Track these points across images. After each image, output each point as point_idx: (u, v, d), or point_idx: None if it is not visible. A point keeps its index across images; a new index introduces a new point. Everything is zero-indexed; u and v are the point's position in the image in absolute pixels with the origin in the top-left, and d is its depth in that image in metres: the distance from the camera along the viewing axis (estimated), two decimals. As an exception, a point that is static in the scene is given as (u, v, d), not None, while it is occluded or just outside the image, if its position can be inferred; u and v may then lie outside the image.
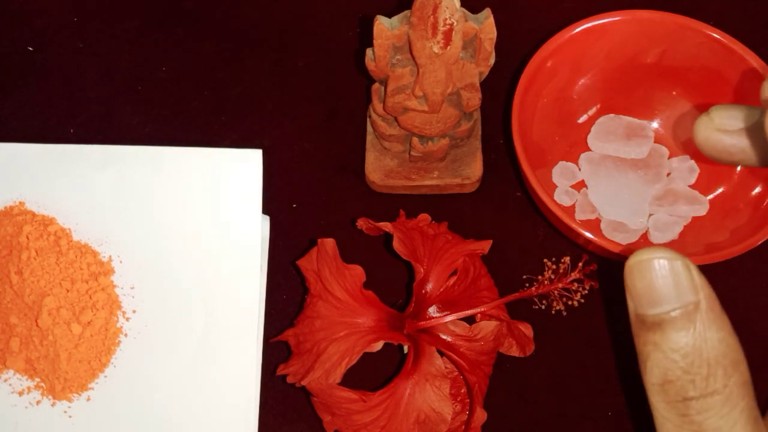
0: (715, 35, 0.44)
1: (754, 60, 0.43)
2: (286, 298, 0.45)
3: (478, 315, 0.41)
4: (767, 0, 0.54)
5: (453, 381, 0.40)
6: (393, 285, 0.45)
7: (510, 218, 0.47)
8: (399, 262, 0.43)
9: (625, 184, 0.47)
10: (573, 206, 0.47)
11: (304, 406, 0.42)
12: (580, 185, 0.48)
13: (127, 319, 0.44)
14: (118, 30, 0.53)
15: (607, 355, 0.44)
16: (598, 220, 0.46)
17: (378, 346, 0.38)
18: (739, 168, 0.45)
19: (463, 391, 0.41)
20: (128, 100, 0.51)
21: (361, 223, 0.43)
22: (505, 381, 0.43)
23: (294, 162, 0.49)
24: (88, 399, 0.42)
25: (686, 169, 0.47)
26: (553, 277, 0.40)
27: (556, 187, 0.47)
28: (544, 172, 0.47)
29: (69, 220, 0.45)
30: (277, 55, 0.52)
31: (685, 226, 0.46)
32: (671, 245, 0.45)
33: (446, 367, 0.39)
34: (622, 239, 0.45)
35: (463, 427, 0.40)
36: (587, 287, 0.39)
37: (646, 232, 0.46)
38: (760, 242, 0.40)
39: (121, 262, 0.45)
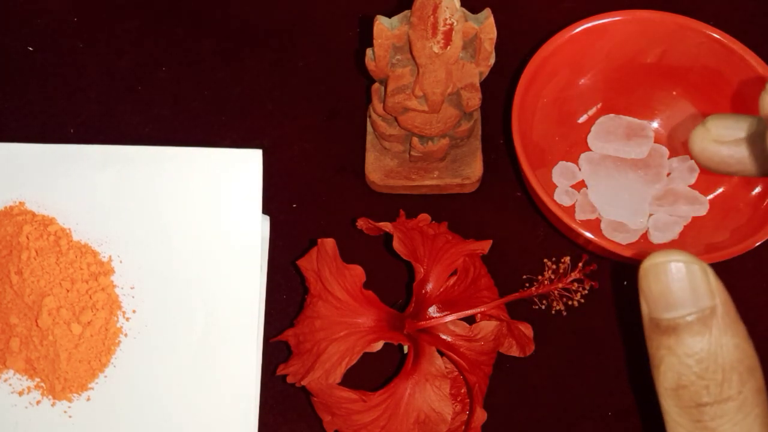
0: (715, 35, 0.44)
1: (754, 60, 0.43)
2: (286, 298, 0.45)
3: (478, 315, 0.41)
4: (767, 0, 0.54)
5: (453, 381, 0.40)
6: (393, 285, 0.45)
7: (510, 218, 0.47)
8: (399, 262, 0.43)
9: (625, 184, 0.47)
10: (573, 206, 0.47)
11: (304, 406, 0.42)
12: (580, 185, 0.48)
13: (127, 319, 0.44)
14: (118, 30, 0.53)
15: (607, 355, 0.44)
16: (598, 220, 0.46)
17: (378, 346, 0.38)
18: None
19: (463, 391, 0.41)
20: (128, 100, 0.51)
21: (361, 223, 0.43)
22: (505, 381, 0.43)
23: (294, 162, 0.49)
24: (88, 399, 0.42)
25: (686, 169, 0.47)
26: (553, 277, 0.40)
27: (556, 187, 0.47)
28: (544, 172, 0.47)
29: (69, 220, 0.45)
30: (277, 55, 0.52)
31: (685, 226, 0.46)
32: (671, 245, 0.45)
33: (446, 367, 0.39)
34: (622, 239, 0.45)
35: (463, 427, 0.40)
36: (587, 287, 0.39)
37: (646, 232, 0.46)
38: (760, 242, 0.40)
39: (121, 262, 0.45)
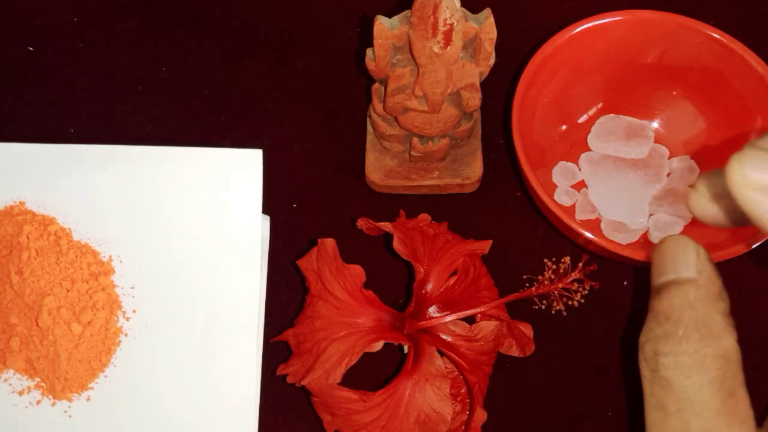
0: (715, 35, 0.44)
1: (754, 60, 0.43)
2: (286, 298, 0.45)
3: (478, 315, 0.41)
4: (767, 0, 0.54)
5: (453, 381, 0.40)
6: (393, 285, 0.45)
7: (510, 218, 0.47)
8: (399, 262, 0.43)
9: (625, 184, 0.47)
10: (573, 206, 0.47)
11: (304, 406, 0.42)
12: (580, 185, 0.48)
13: (127, 319, 0.44)
14: (118, 30, 0.53)
15: (607, 355, 0.44)
16: (598, 220, 0.46)
17: (378, 346, 0.38)
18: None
19: (463, 391, 0.41)
20: (128, 100, 0.51)
21: (361, 223, 0.43)
22: (505, 381, 0.43)
23: (294, 162, 0.49)
24: (88, 399, 0.42)
25: (686, 169, 0.47)
26: (553, 277, 0.40)
27: (556, 187, 0.47)
28: (544, 172, 0.47)
29: (69, 220, 0.45)
30: (277, 55, 0.52)
31: (685, 226, 0.46)
32: (671, 245, 0.45)
33: (446, 367, 0.39)
34: (622, 239, 0.45)
35: (463, 427, 0.40)
36: (587, 287, 0.39)
37: (646, 232, 0.46)
38: (760, 242, 0.40)
39: (121, 262, 0.45)
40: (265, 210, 0.46)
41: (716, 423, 0.25)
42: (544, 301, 0.41)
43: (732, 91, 0.45)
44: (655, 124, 0.48)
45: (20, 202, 0.46)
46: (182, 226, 0.45)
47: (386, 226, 0.41)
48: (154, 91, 0.51)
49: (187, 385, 0.42)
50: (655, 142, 0.48)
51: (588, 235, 0.40)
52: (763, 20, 0.53)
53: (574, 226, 0.40)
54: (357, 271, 0.39)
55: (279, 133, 0.50)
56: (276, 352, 0.43)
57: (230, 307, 0.44)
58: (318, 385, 0.38)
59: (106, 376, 0.43)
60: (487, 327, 0.40)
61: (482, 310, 0.41)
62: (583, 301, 0.40)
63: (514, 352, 0.42)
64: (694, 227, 0.46)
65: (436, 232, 0.43)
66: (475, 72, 0.40)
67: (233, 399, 0.42)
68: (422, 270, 0.41)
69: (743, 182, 0.24)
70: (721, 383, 0.26)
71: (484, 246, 0.42)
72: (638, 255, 0.39)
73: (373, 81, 0.42)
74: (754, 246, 0.40)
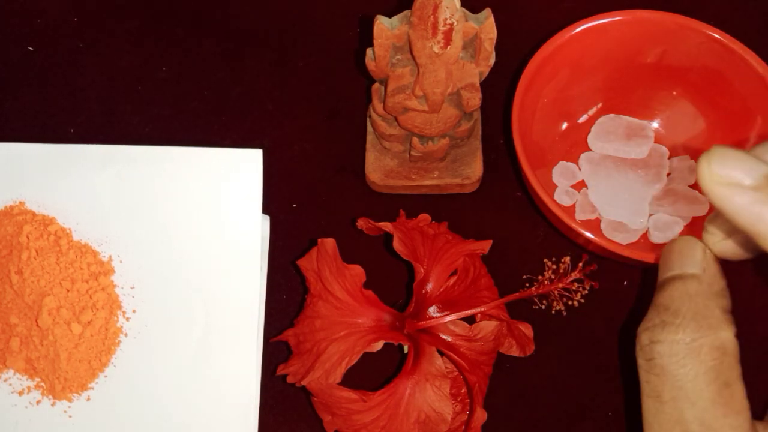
0: (715, 35, 0.44)
1: (754, 60, 0.43)
2: (286, 298, 0.45)
3: (478, 315, 0.41)
4: (767, 0, 0.54)
5: (453, 381, 0.40)
6: (393, 285, 0.45)
7: (510, 218, 0.47)
8: (399, 262, 0.43)
9: (625, 184, 0.47)
10: (573, 206, 0.47)
11: (304, 406, 0.42)
12: (580, 185, 0.48)
13: (127, 319, 0.44)
14: (118, 30, 0.53)
15: (607, 355, 0.44)
16: (598, 220, 0.46)
17: (378, 346, 0.38)
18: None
19: (463, 391, 0.41)
20: (128, 100, 0.51)
21: (361, 223, 0.43)
22: (505, 381, 0.43)
23: (294, 162, 0.49)
24: (88, 399, 0.42)
25: (686, 169, 0.47)
26: (553, 277, 0.40)
27: (556, 187, 0.47)
28: (544, 172, 0.47)
29: (69, 220, 0.45)
30: (277, 55, 0.52)
31: (685, 226, 0.46)
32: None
33: (446, 367, 0.39)
34: (622, 239, 0.45)
35: (463, 427, 0.40)
36: (587, 287, 0.39)
37: (646, 232, 0.46)
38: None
39: (121, 262, 0.45)
40: (265, 210, 0.46)
41: (711, 412, 0.26)
42: (544, 301, 0.41)
43: (732, 91, 0.45)
44: (655, 124, 0.48)
45: (20, 202, 0.46)
46: (182, 226, 0.45)
47: (386, 226, 0.41)
48: (154, 91, 0.51)
49: (187, 385, 0.42)
50: (655, 142, 0.48)
51: (588, 235, 0.40)
52: (763, 20, 0.53)
53: (574, 226, 0.40)
54: (357, 271, 0.39)
55: (279, 133, 0.50)
56: (276, 352, 0.43)
57: (230, 307, 0.44)
58: (318, 385, 0.38)
59: (106, 376, 0.43)
60: (487, 327, 0.40)
61: (482, 310, 0.41)
62: (583, 301, 0.40)
63: (514, 352, 0.42)
64: (695, 227, 0.46)
65: (436, 232, 0.43)
66: (475, 72, 0.40)
67: (233, 399, 0.42)
68: (422, 270, 0.41)
69: (711, 178, 0.25)
70: (716, 374, 0.26)
71: (484, 246, 0.42)
72: (638, 255, 0.39)
73: (373, 81, 0.42)
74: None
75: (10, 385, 0.43)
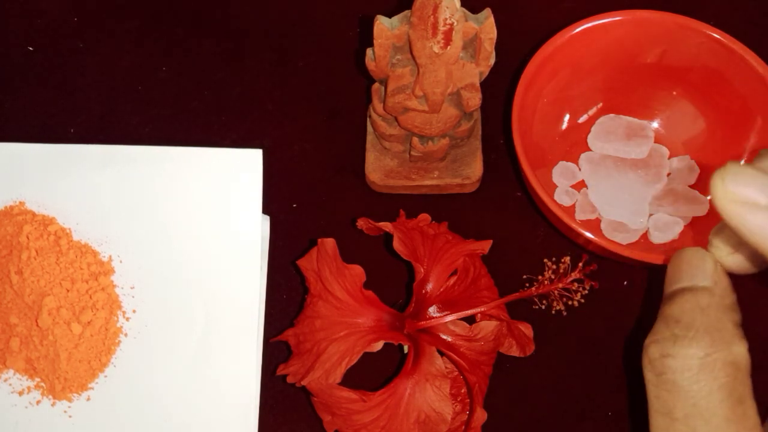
0: (715, 35, 0.44)
1: (754, 60, 0.43)
2: (286, 298, 0.45)
3: (478, 315, 0.41)
4: (767, 0, 0.54)
5: (453, 381, 0.40)
6: (393, 285, 0.45)
7: (510, 218, 0.47)
8: (399, 262, 0.43)
9: (625, 184, 0.47)
10: (573, 206, 0.47)
11: (304, 406, 0.42)
12: (580, 185, 0.48)
13: (127, 319, 0.44)
14: (118, 30, 0.53)
15: (607, 355, 0.44)
16: (598, 220, 0.46)
17: (378, 346, 0.38)
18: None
19: (463, 391, 0.41)
20: (128, 100, 0.51)
21: (361, 223, 0.43)
22: (505, 381, 0.43)
23: (294, 162, 0.49)
24: (88, 399, 0.42)
25: (686, 169, 0.47)
26: (553, 277, 0.40)
27: (556, 187, 0.47)
28: (544, 172, 0.47)
29: (69, 220, 0.45)
30: (277, 55, 0.52)
31: (685, 226, 0.46)
32: (671, 245, 0.45)
33: (446, 367, 0.39)
34: (622, 239, 0.45)
35: (463, 427, 0.40)
36: (587, 287, 0.39)
37: (647, 232, 0.46)
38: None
39: (121, 262, 0.45)
40: (265, 210, 0.46)
41: (725, 430, 0.25)
42: (544, 301, 0.41)
43: (732, 91, 0.45)
44: (655, 124, 0.48)
45: (20, 202, 0.46)
46: (182, 226, 0.45)
47: (386, 226, 0.41)
48: (154, 91, 0.51)
49: (187, 385, 0.42)
50: (655, 142, 0.48)
51: (588, 235, 0.40)
52: (763, 20, 0.53)
53: (574, 226, 0.40)
54: (357, 271, 0.39)
55: (279, 133, 0.50)
56: (276, 352, 0.43)
57: (230, 307, 0.44)
58: (318, 385, 0.38)
59: (106, 376, 0.43)
60: (487, 327, 0.40)
61: (482, 310, 0.41)
62: (583, 301, 0.40)
63: (514, 352, 0.42)
64: (694, 227, 0.46)
65: (436, 232, 0.43)
66: (475, 72, 0.40)
67: (233, 399, 0.42)
68: (422, 270, 0.41)
69: (725, 196, 0.24)
70: (730, 390, 0.25)
71: (484, 246, 0.42)
72: (638, 255, 0.39)
73: (373, 81, 0.42)
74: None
75: (10, 385, 0.43)
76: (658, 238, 0.45)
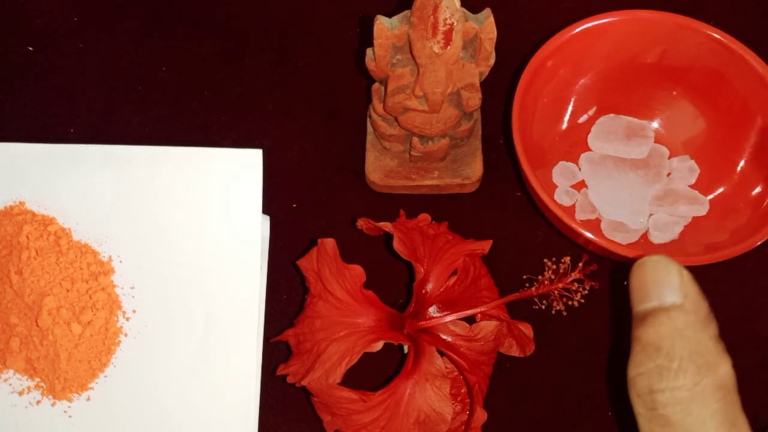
0: (715, 35, 0.44)
1: (754, 60, 0.43)
2: (286, 298, 0.45)
3: (478, 315, 0.41)
4: (767, 0, 0.54)
5: (453, 381, 0.40)
6: (393, 285, 0.45)
7: (510, 218, 0.47)
8: (399, 262, 0.42)
9: (625, 184, 0.47)
10: (573, 206, 0.47)
11: (304, 406, 0.42)
12: (580, 185, 0.48)
13: (127, 319, 0.44)
14: (118, 30, 0.53)
15: (607, 355, 0.44)
16: (598, 220, 0.46)
17: (378, 346, 0.38)
18: (739, 168, 0.45)
19: (463, 391, 0.41)
20: (128, 100, 0.51)
21: (361, 223, 0.43)
22: (505, 381, 0.43)
23: (294, 162, 0.49)
24: (88, 399, 0.42)
25: (686, 169, 0.47)
26: (553, 277, 0.40)
27: (556, 187, 0.47)
28: (544, 172, 0.47)
29: (69, 220, 0.45)
30: (277, 55, 0.52)
31: (685, 226, 0.46)
32: (671, 245, 0.45)
33: (446, 367, 0.39)
34: (622, 239, 0.45)
35: (463, 427, 0.40)
36: (587, 287, 0.39)
37: (646, 232, 0.46)
38: (760, 242, 0.40)
39: (121, 262, 0.45)
40: (265, 210, 0.46)
41: None
42: (544, 301, 0.41)
43: (732, 91, 0.45)
44: (655, 124, 0.48)
45: (20, 202, 0.46)
46: (182, 226, 0.45)
47: (386, 226, 0.41)
48: (154, 91, 0.51)
49: (187, 385, 0.42)
50: (655, 142, 0.48)
51: (588, 235, 0.40)
52: (763, 20, 0.53)
53: (574, 226, 0.40)
54: (357, 271, 0.39)
55: (279, 133, 0.50)
56: (276, 352, 0.43)
57: (230, 307, 0.44)
58: (318, 385, 0.38)
59: (106, 376, 0.43)
60: (487, 327, 0.40)
61: (482, 310, 0.41)
62: (583, 301, 0.40)
63: (514, 352, 0.42)
64: (694, 227, 0.46)
65: (436, 232, 0.43)
66: (475, 72, 0.40)
67: (233, 399, 0.42)
68: (422, 270, 0.41)
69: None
70: (723, 414, 0.25)
71: (484, 246, 0.42)
72: (638, 255, 0.39)
73: (373, 81, 0.42)
74: (754, 246, 0.40)
75: (10, 385, 0.43)
76: (658, 238, 0.45)
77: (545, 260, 0.40)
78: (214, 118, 0.50)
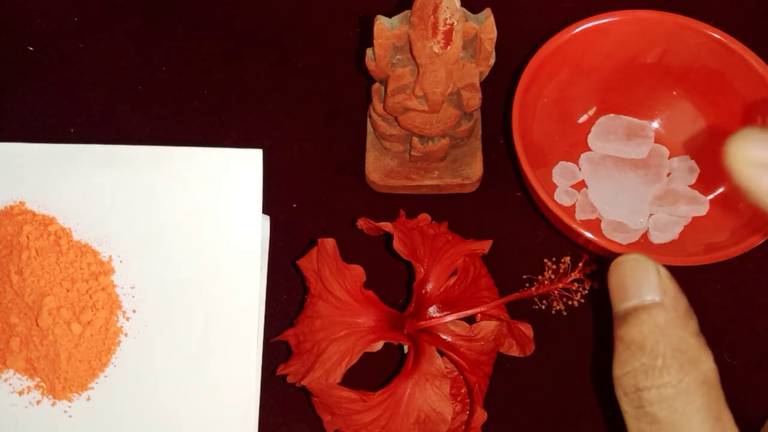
0: (715, 35, 0.44)
1: (754, 60, 0.43)
2: (286, 298, 0.45)
3: (478, 315, 0.41)
4: (767, 0, 0.54)
5: (453, 381, 0.40)
6: (393, 285, 0.45)
7: (510, 218, 0.47)
8: (399, 262, 0.43)
9: (625, 184, 0.47)
10: (573, 206, 0.47)
11: (304, 406, 0.42)
12: (580, 185, 0.48)
13: (127, 319, 0.44)
14: (118, 30, 0.53)
15: (608, 355, 0.44)
16: (598, 220, 0.46)
17: (378, 346, 0.38)
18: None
19: (463, 391, 0.41)
20: (128, 100, 0.51)
21: (361, 223, 0.43)
22: (505, 381, 0.43)
23: (294, 162, 0.49)
24: (88, 399, 0.42)
25: (686, 169, 0.47)
26: (553, 277, 0.40)
27: (556, 187, 0.47)
28: (544, 172, 0.47)
29: (69, 219, 0.45)
30: (277, 55, 0.52)
31: (685, 226, 0.46)
32: (671, 245, 0.45)
33: (446, 367, 0.39)
34: (622, 239, 0.45)
35: (463, 427, 0.40)
36: (587, 287, 0.39)
37: (646, 232, 0.46)
38: (760, 242, 0.40)
39: (121, 261, 0.45)
40: (265, 210, 0.46)
41: None
42: (544, 301, 0.41)
43: (732, 91, 0.45)
44: (655, 124, 0.48)
45: (20, 202, 0.46)
46: (182, 225, 0.45)
47: (386, 226, 0.41)
48: (154, 91, 0.51)
49: (187, 385, 0.42)
50: (655, 142, 0.48)
51: (588, 235, 0.40)
52: (763, 20, 0.53)
53: (574, 226, 0.40)
54: (357, 271, 0.39)
55: (279, 133, 0.50)
56: (276, 352, 0.43)
57: (230, 307, 0.44)
58: (318, 385, 0.38)
59: (106, 376, 0.43)
60: (487, 327, 0.40)
61: (482, 310, 0.41)
62: (583, 301, 0.40)
63: (514, 352, 0.42)
64: (694, 227, 0.46)
65: (436, 232, 0.43)
66: (475, 72, 0.40)
67: (233, 399, 0.42)
68: (422, 270, 0.41)
69: (738, 159, 0.24)
70: (708, 410, 0.25)
71: (484, 246, 0.42)
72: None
73: (373, 81, 0.42)
74: (755, 246, 0.40)
75: (10, 385, 0.43)
76: (658, 238, 0.45)
77: (545, 260, 0.40)
78: (214, 118, 0.50)
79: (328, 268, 0.40)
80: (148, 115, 0.50)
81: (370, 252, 0.46)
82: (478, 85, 0.40)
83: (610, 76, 0.48)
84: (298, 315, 0.42)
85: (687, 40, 0.45)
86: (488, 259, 0.43)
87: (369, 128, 0.47)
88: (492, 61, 0.40)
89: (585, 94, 0.48)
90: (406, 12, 0.37)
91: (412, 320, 0.40)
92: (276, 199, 0.47)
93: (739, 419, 0.26)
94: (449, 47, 0.37)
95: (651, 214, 0.46)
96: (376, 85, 0.42)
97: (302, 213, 0.47)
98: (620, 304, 0.27)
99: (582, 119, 0.49)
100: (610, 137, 0.47)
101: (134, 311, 0.44)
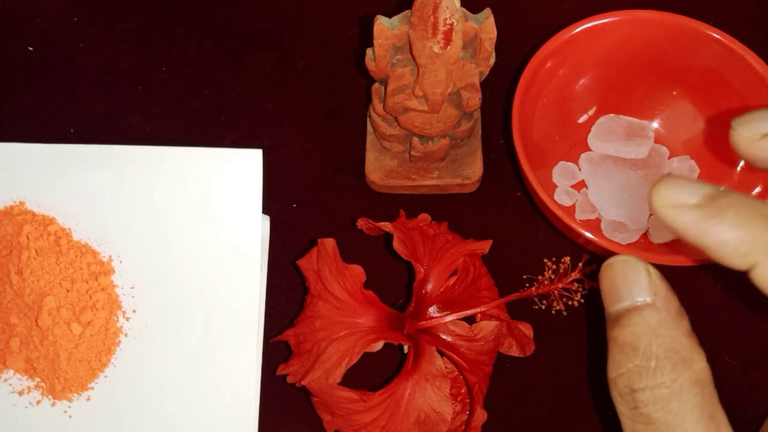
0: (715, 35, 0.44)
1: (754, 60, 0.43)
2: (286, 298, 0.45)
3: (478, 315, 0.41)
4: (767, 0, 0.54)
5: (453, 381, 0.40)
6: (393, 285, 0.45)
7: (510, 218, 0.47)
8: (399, 262, 0.43)
9: (625, 184, 0.47)
10: (573, 206, 0.47)
11: (304, 406, 0.42)
12: (580, 185, 0.48)
13: (127, 319, 0.44)
14: (118, 30, 0.53)
15: (607, 355, 0.44)
16: (598, 220, 0.46)
17: (378, 346, 0.38)
18: (739, 168, 0.45)
19: (463, 391, 0.41)
20: (128, 100, 0.51)
21: (361, 223, 0.43)
22: (505, 381, 0.43)
23: (294, 162, 0.49)
24: (88, 399, 0.42)
25: (686, 169, 0.47)
26: (553, 277, 0.40)
27: (556, 187, 0.47)
28: (544, 172, 0.47)
29: (69, 220, 0.45)
30: (277, 55, 0.52)
31: (685, 226, 0.46)
32: (671, 245, 0.45)
33: (446, 367, 0.39)
34: (622, 239, 0.45)
35: (463, 427, 0.40)
36: (587, 287, 0.39)
37: (646, 232, 0.46)
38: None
39: (121, 262, 0.45)
40: (265, 210, 0.46)
41: None
42: (544, 301, 0.41)
43: (732, 91, 0.45)
44: (655, 124, 0.48)
45: (20, 202, 0.46)
46: (182, 226, 0.45)
47: (386, 226, 0.41)
48: (154, 91, 0.51)
49: (187, 385, 0.42)
50: (655, 142, 0.48)
51: (588, 235, 0.40)
52: (763, 20, 0.53)
53: (574, 226, 0.40)
54: (357, 271, 0.39)
55: (279, 133, 0.50)
56: (276, 352, 0.43)
57: (230, 307, 0.44)
58: (318, 385, 0.38)
59: (106, 376, 0.43)
60: (487, 327, 0.40)
61: (482, 310, 0.41)
62: (583, 301, 0.40)
63: (514, 352, 0.42)
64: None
65: (436, 232, 0.43)
66: (475, 72, 0.40)
67: (233, 399, 0.42)
68: (422, 270, 0.41)
69: (660, 202, 0.25)
70: (701, 409, 0.25)
71: (484, 246, 0.42)
72: (638, 255, 0.39)
73: (373, 81, 0.42)
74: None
75: (10, 385, 0.43)
76: (658, 238, 0.45)
77: (545, 260, 0.40)
78: (214, 118, 0.50)
79: (328, 268, 0.40)
80: (148, 115, 0.50)
81: (370, 252, 0.46)
82: (478, 85, 0.40)
83: (610, 76, 0.48)
84: (298, 315, 0.42)
85: (687, 40, 0.45)
86: (488, 259, 0.43)
87: (369, 128, 0.47)
88: (492, 61, 0.40)
89: (585, 94, 0.48)
90: (406, 12, 0.37)
91: (412, 320, 0.40)
92: (276, 199, 0.47)
93: (739, 419, 0.26)
94: (449, 47, 0.37)
95: (651, 214, 0.46)
96: (376, 85, 0.42)
97: (302, 213, 0.47)
98: (612, 306, 0.28)
99: (582, 119, 0.49)
100: (610, 137, 0.47)
101: (134, 311, 0.44)
